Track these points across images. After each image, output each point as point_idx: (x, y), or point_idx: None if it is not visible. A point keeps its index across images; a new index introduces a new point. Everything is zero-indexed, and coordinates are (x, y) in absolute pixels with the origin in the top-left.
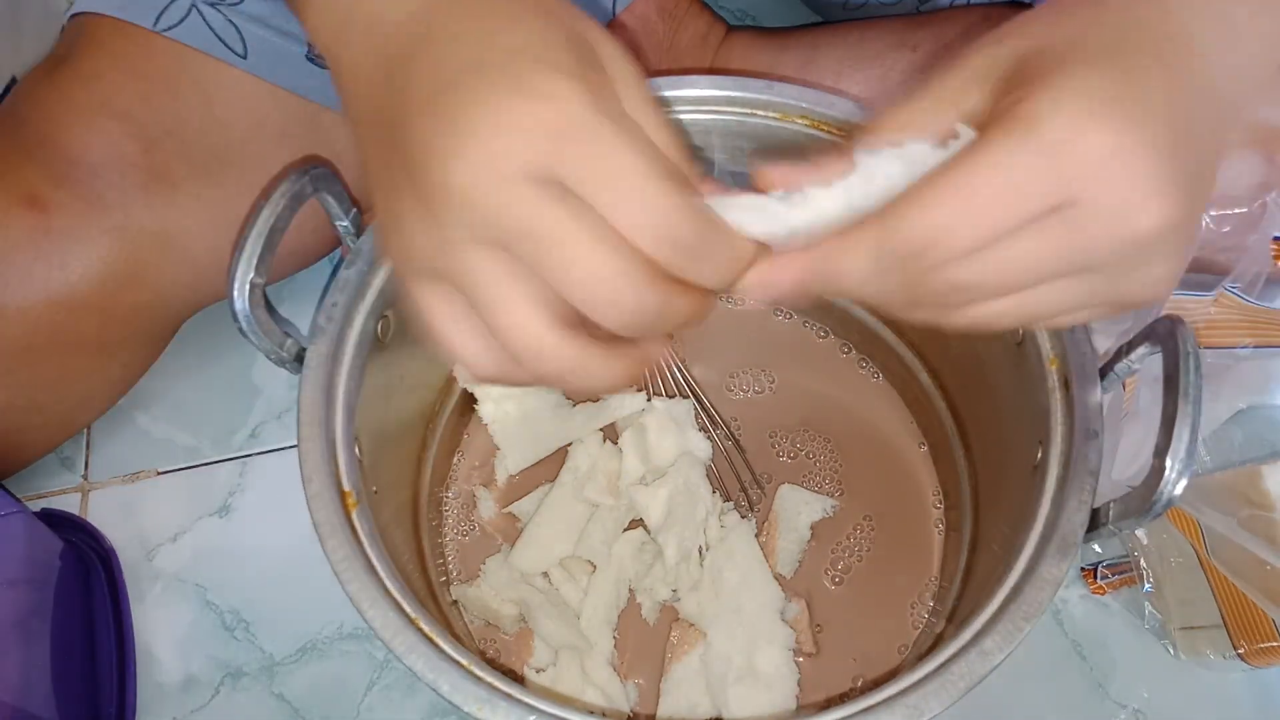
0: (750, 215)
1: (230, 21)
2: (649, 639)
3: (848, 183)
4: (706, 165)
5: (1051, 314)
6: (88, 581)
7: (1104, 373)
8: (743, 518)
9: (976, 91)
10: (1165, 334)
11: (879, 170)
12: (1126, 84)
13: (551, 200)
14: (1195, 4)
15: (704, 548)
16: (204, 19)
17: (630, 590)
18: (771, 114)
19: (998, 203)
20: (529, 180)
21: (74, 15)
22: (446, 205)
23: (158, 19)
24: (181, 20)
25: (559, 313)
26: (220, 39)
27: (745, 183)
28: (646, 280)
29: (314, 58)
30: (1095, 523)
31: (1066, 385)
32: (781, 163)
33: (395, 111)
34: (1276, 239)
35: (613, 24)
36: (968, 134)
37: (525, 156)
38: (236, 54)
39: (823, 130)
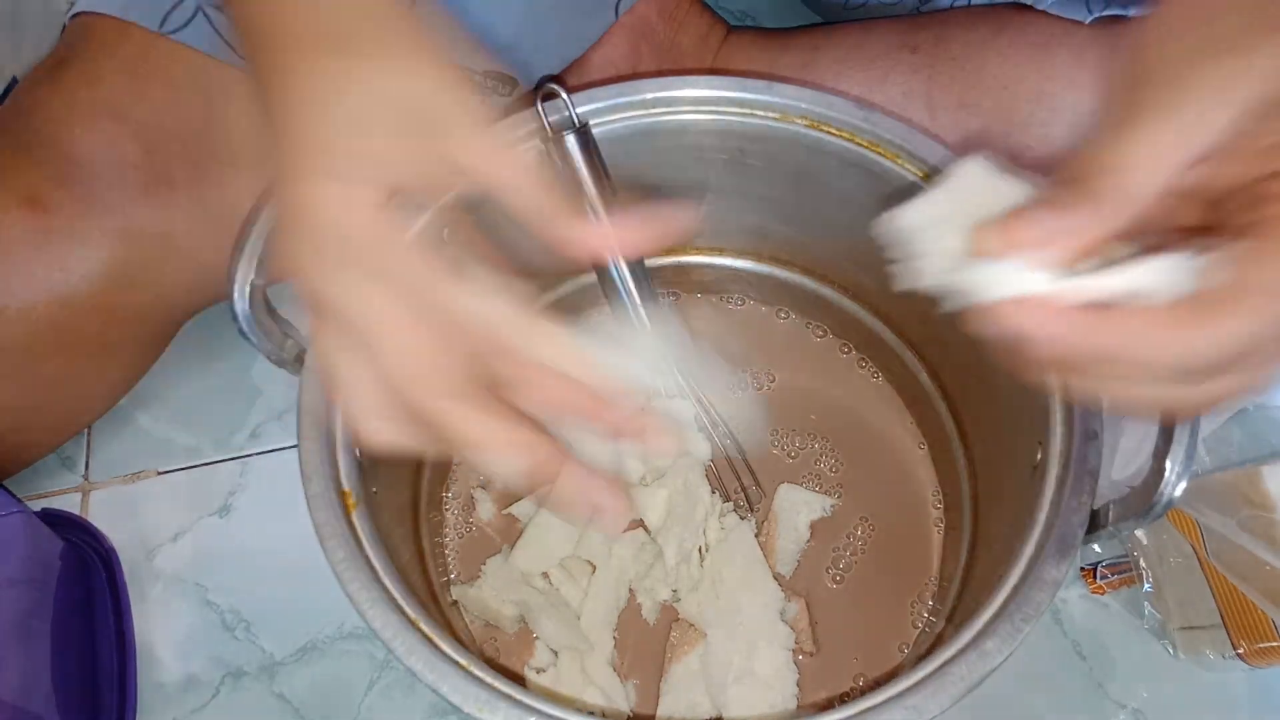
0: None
1: None
2: (649, 639)
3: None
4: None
5: None
6: (88, 581)
7: None
8: (742, 518)
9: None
10: None
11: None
12: None
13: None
14: None
15: (704, 548)
16: (210, 21)
17: (630, 590)
18: (771, 114)
19: None
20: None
21: (75, 15)
22: None
23: (164, 21)
24: (188, 22)
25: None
26: (226, 41)
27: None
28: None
29: None
30: (1095, 523)
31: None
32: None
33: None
34: None
35: (614, 25)
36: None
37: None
38: (241, 56)
39: (823, 131)
